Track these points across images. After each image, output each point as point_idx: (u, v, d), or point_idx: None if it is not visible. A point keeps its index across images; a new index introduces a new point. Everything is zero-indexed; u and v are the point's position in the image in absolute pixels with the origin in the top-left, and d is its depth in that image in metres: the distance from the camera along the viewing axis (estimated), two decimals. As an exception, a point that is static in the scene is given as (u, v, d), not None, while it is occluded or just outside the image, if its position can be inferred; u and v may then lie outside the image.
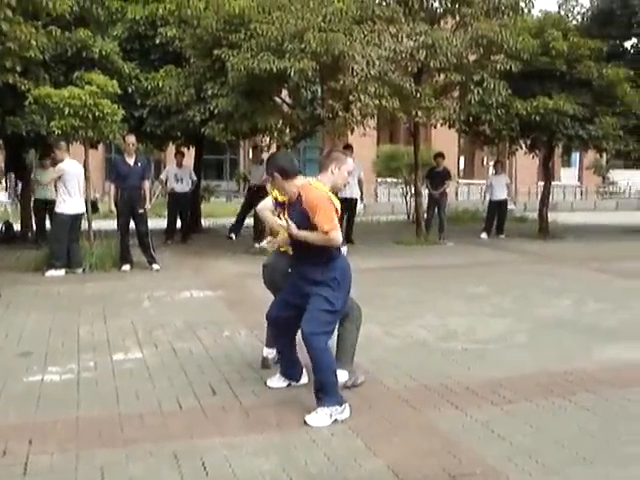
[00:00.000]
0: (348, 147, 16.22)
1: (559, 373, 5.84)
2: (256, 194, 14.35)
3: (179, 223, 16.18)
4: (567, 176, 41.15)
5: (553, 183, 19.42)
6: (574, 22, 17.61)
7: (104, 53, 13.83)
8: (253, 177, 15.90)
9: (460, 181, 35.42)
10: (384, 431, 4.59)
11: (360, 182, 15.53)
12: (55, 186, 11.37)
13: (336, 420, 4.73)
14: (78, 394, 5.36)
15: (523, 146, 17.90)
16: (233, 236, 15.10)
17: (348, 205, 15.61)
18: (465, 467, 4.03)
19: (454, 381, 5.64)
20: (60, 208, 11.12)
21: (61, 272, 10.96)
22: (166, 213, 16.32)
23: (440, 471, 3.98)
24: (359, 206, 16.35)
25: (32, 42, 10.77)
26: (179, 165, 15.98)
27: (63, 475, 3.98)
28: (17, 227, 16.34)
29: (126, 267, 11.57)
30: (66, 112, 11.08)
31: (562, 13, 17.42)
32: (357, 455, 4.20)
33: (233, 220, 16.14)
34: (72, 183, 11.06)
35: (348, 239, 15.62)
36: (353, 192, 15.44)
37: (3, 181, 23.88)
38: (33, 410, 5.02)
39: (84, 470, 4.03)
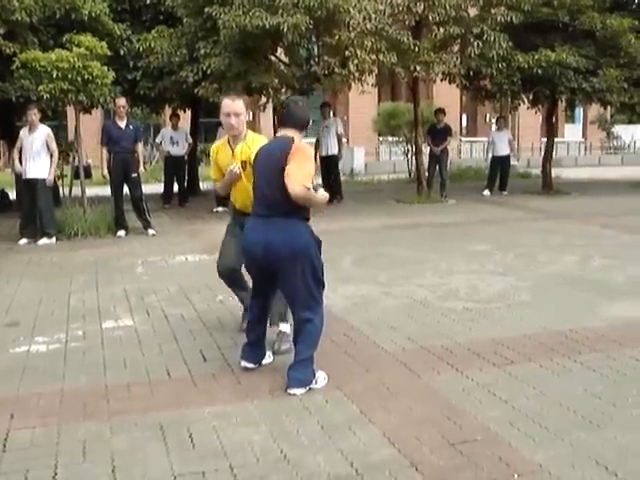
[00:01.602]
0: (325, 105, 15.96)
1: (564, 332, 5.63)
2: None
3: (176, 187, 15.91)
4: (571, 132, 40.63)
5: (557, 139, 19.09)
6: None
7: (94, 15, 13.54)
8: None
9: (463, 139, 35.00)
10: (381, 397, 4.38)
11: (339, 138, 15.34)
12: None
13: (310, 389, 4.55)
14: (65, 365, 5.17)
15: (525, 101, 17.52)
16: (219, 209, 14.41)
17: (328, 162, 15.40)
18: (465, 434, 3.83)
19: (454, 342, 5.43)
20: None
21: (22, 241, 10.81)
22: (163, 177, 16.07)
23: (439, 438, 3.77)
24: (340, 163, 16.05)
25: (15, 3, 10.42)
26: (174, 128, 15.68)
27: (43, 450, 3.78)
28: (12, 195, 16.08)
29: (121, 233, 11.36)
30: (54, 75, 10.80)
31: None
32: (352, 423, 3.99)
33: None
34: (25, 148, 10.80)
35: (338, 196, 15.30)
36: (331, 148, 15.21)
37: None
38: (17, 383, 4.83)
39: (65, 444, 3.84)
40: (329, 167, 15.65)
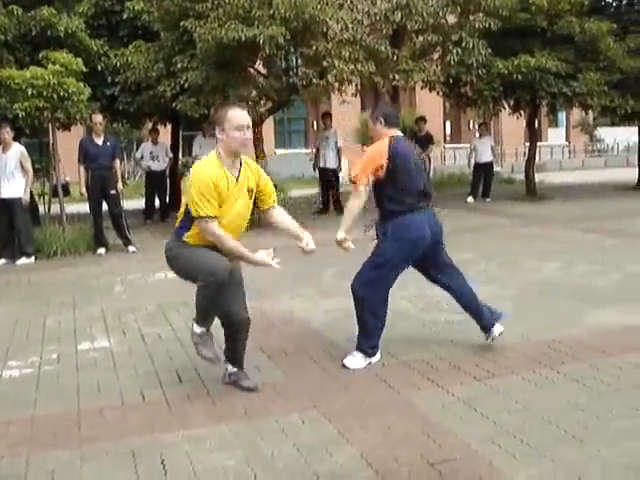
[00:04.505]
0: (326, 115, 15.89)
1: (546, 342, 5.54)
2: None
3: (158, 202, 15.77)
4: (554, 136, 40.77)
5: (540, 143, 19.08)
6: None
7: (70, 31, 13.47)
8: (206, 151, 14.60)
9: (446, 146, 35.00)
10: (359, 415, 4.27)
11: (339, 151, 15.24)
12: None
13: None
14: (37, 390, 5.04)
15: (507, 106, 17.50)
16: None
17: (326, 175, 15.34)
18: (445, 452, 3.72)
19: (435, 356, 5.32)
20: None
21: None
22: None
23: (418, 458, 3.66)
24: (341, 175, 15.95)
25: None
26: (154, 142, 15.55)
27: (10, 482, 3.66)
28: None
29: (101, 250, 11.22)
30: (29, 93, 10.67)
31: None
32: (328, 444, 3.87)
33: None
34: None
35: (336, 208, 15.28)
36: (330, 161, 15.16)
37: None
38: (-14, 411, 4.70)
39: (33, 475, 3.72)
40: (327, 179, 15.54)
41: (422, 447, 3.79)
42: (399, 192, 5.06)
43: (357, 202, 5.12)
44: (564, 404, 4.30)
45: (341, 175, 15.94)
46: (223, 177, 4.41)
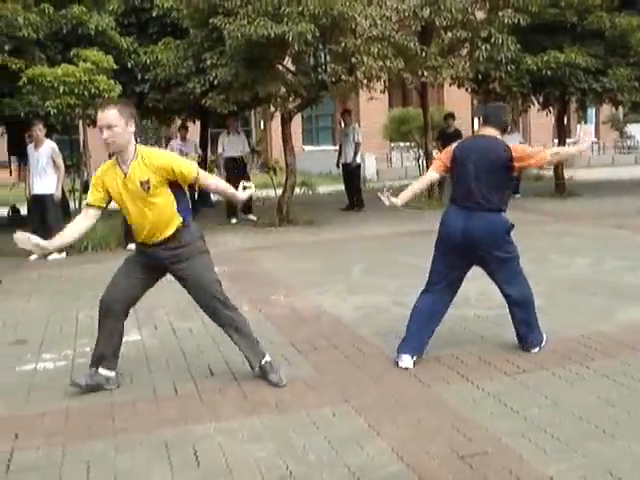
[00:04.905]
0: (345, 112, 16.04)
1: (576, 338, 5.54)
2: (233, 167, 14.09)
3: (187, 198, 15.86)
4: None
5: (569, 140, 18.89)
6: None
7: (100, 29, 13.55)
8: (230, 148, 14.40)
9: (474, 142, 34.83)
10: (389, 409, 4.30)
11: (357, 145, 15.38)
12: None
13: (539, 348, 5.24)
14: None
15: (536, 103, 17.41)
16: (234, 220, 14.55)
17: (347, 170, 15.49)
18: (475, 446, 3.74)
19: (465, 351, 5.34)
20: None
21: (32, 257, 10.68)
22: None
23: (448, 451, 3.69)
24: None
25: (19, 20, 10.47)
26: (183, 139, 15.71)
27: (47, 471, 3.75)
28: (24, 211, 16.12)
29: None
30: (61, 90, 10.82)
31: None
32: (359, 438, 3.92)
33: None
34: (31, 164, 10.90)
35: (358, 204, 15.39)
36: (349, 156, 15.33)
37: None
38: (22, 401, 4.80)
39: (69, 465, 3.80)
40: (349, 175, 15.79)
41: (452, 441, 3.82)
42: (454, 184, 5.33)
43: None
44: (594, 400, 4.31)
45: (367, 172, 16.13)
46: (112, 173, 4.64)
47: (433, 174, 5.58)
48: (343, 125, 16.10)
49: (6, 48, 10.99)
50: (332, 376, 4.96)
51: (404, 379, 4.84)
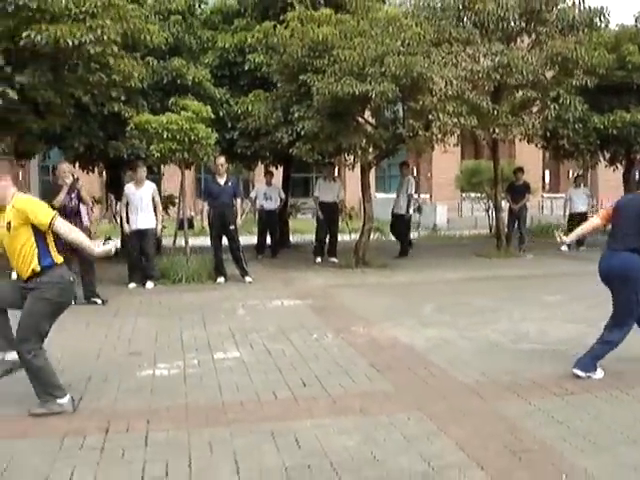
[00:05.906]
0: (403, 164, 16.85)
1: (623, 370, 6.32)
2: (328, 212, 15.18)
3: (269, 239, 16.98)
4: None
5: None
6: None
7: (197, 80, 14.81)
8: (326, 194, 15.47)
9: (544, 195, 35.39)
10: (455, 417, 5.18)
11: (409, 197, 16.12)
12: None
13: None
14: (185, 386, 6.11)
15: (602, 159, 18.09)
16: (319, 259, 15.37)
17: (396, 220, 16.28)
18: (525, 445, 4.60)
19: (521, 376, 6.19)
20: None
21: (131, 285, 11.93)
22: (256, 230, 17.18)
23: (502, 447, 4.56)
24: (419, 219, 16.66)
25: (134, 73, 11.77)
26: (268, 184, 16.84)
27: (177, 446, 4.70)
28: (117, 243, 17.40)
29: (221, 279, 12.39)
30: (165, 136, 11.99)
31: (639, 26, 17.56)
32: (429, 435, 4.82)
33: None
34: (132, 203, 11.87)
35: (402, 253, 16.10)
36: (399, 207, 16.10)
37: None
38: (148, 398, 5.79)
39: (195, 443, 4.75)
40: (397, 225, 16.50)
41: (506, 441, 4.68)
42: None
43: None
44: (630, 418, 5.12)
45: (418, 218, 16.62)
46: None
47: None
48: (401, 176, 16.78)
49: (122, 98, 12.29)
50: (406, 391, 5.86)
51: (467, 396, 5.72)
